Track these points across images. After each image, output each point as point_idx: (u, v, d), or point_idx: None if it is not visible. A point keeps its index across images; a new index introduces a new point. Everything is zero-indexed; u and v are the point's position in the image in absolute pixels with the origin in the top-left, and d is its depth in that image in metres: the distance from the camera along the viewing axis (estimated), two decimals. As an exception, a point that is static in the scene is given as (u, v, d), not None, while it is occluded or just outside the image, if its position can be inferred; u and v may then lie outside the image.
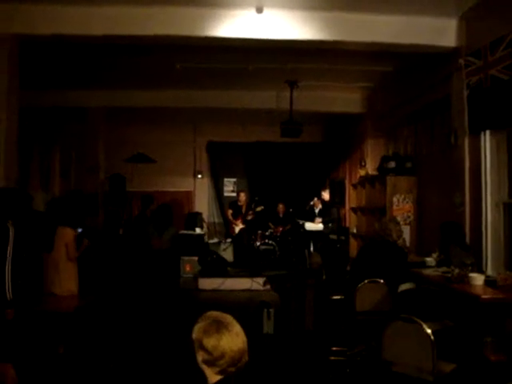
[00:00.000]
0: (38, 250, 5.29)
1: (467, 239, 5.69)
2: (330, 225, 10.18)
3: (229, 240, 10.85)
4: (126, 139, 12.19)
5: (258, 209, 11.35)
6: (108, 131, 10.97)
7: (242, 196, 11.75)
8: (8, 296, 3.73)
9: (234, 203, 11.88)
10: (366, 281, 4.75)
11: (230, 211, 11.77)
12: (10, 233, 3.83)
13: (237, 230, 11.40)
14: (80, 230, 5.88)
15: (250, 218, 11.26)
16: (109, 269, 7.51)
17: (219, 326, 2.09)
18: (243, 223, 11.36)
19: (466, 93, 5.58)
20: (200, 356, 2.11)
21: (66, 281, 5.30)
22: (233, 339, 2.08)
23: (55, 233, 5.27)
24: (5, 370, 3.34)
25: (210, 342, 2.06)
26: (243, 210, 11.58)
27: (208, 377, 2.13)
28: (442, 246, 5.58)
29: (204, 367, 2.12)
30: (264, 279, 8.87)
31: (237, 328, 2.13)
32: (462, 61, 5.63)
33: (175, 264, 9.16)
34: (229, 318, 2.17)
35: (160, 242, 7.21)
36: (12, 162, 5.88)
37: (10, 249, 3.80)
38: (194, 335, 2.12)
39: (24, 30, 5.73)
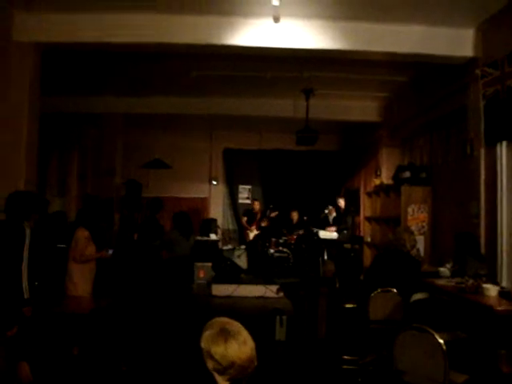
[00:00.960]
0: (60, 252, 5.39)
1: (482, 250, 5.65)
2: (344, 232, 10.16)
3: (243, 247, 10.89)
4: (143, 145, 12.34)
5: (273, 214, 11.41)
6: (125, 137, 11.13)
7: (257, 205, 11.86)
8: (25, 295, 3.79)
9: (248, 211, 11.98)
10: (378, 290, 4.73)
11: (245, 218, 11.89)
12: (26, 233, 3.89)
13: (251, 235, 11.45)
14: (111, 252, 5.95)
15: (264, 224, 11.32)
16: (124, 273, 7.57)
17: (226, 336, 2.08)
18: (257, 229, 11.42)
19: (482, 103, 5.56)
20: (210, 364, 2.11)
21: (77, 282, 5.33)
22: (240, 348, 2.07)
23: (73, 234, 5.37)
24: (20, 368, 3.40)
25: (218, 352, 2.06)
26: (257, 218, 11.66)
27: (218, 383, 2.14)
28: (457, 256, 5.54)
29: (214, 374, 2.13)
30: (277, 286, 8.91)
31: (244, 335, 2.12)
32: (478, 71, 5.61)
33: (189, 270, 9.22)
34: (235, 326, 2.15)
35: (183, 248, 7.35)
36: (32, 167, 6.01)
37: (26, 249, 3.87)
38: (202, 344, 2.12)
39: (46, 38, 5.86)
